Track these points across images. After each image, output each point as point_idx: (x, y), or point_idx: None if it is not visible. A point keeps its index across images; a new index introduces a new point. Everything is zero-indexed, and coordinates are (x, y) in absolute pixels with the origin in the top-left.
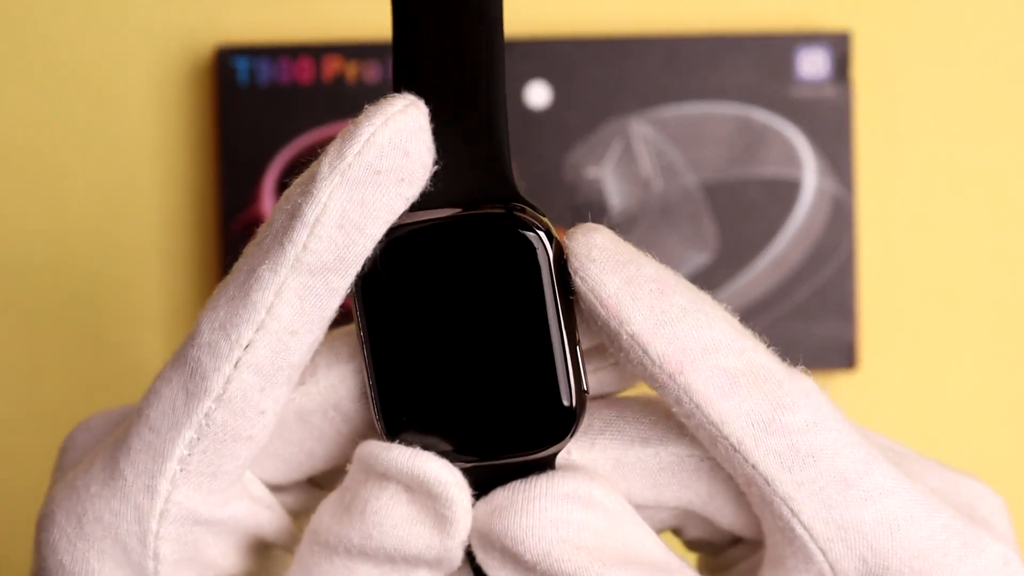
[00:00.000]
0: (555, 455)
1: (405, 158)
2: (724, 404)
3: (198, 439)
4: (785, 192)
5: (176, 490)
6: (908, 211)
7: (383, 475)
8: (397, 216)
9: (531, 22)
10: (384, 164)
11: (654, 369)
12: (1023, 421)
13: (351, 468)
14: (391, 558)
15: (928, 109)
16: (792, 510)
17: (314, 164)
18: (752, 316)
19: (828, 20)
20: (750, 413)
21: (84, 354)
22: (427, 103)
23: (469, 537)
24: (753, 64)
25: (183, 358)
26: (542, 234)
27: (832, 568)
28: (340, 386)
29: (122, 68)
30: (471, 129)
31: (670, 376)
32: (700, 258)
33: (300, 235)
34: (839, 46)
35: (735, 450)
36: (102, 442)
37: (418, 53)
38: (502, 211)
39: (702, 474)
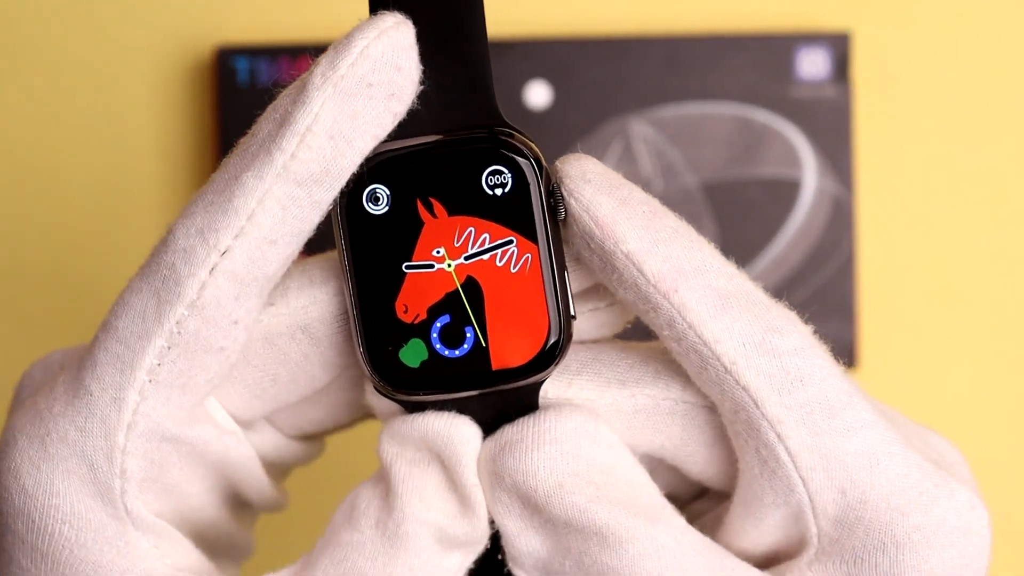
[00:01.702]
0: (541, 383)
1: (396, 73)
2: (717, 324)
3: (169, 348)
4: (785, 192)
5: (144, 402)
6: (908, 211)
7: (416, 448)
8: (385, 132)
9: (531, 22)
10: (376, 77)
11: (648, 289)
12: (1023, 421)
13: (380, 452)
14: (427, 534)
15: (928, 109)
16: (779, 434)
17: (304, 75)
18: None
19: (828, 20)
20: (742, 333)
21: None
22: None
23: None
24: (753, 64)
25: (155, 265)
26: (531, 159)
27: (811, 500)
28: (311, 308)
29: (122, 68)
30: (455, 54)
31: (664, 295)
32: None
33: (289, 143)
34: (839, 46)
35: (727, 371)
36: (63, 367)
37: None
38: (489, 135)
39: (676, 418)
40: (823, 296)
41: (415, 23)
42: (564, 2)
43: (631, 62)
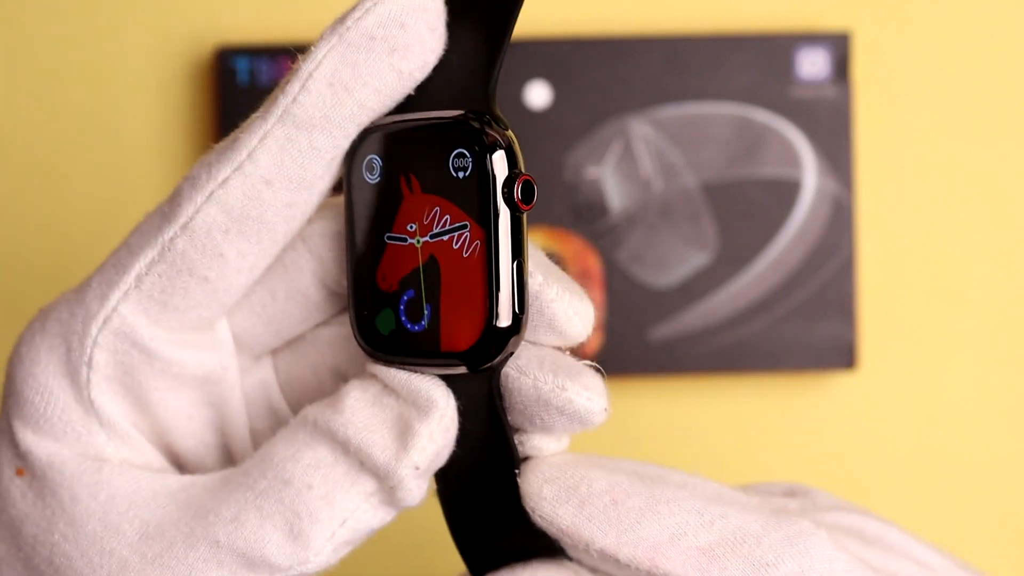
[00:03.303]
0: (490, 376)
1: (400, 30)
2: None
3: (157, 260)
4: (785, 192)
5: (124, 302)
6: (908, 211)
7: (383, 387)
8: (387, 87)
9: (531, 22)
10: (380, 32)
11: (632, 571)
12: (1023, 421)
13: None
14: (346, 448)
15: (928, 109)
16: None
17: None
18: (752, 316)
19: (828, 20)
20: None
21: None
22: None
23: None
24: (753, 64)
25: (171, 193)
26: (492, 146)
27: None
28: (315, 221)
29: (122, 68)
30: (478, 36)
31: (648, 572)
32: (700, 258)
33: (293, 87)
34: (839, 46)
35: None
36: None
37: None
38: (458, 119)
39: None
40: (823, 296)
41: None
42: (564, 2)
43: (631, 62)
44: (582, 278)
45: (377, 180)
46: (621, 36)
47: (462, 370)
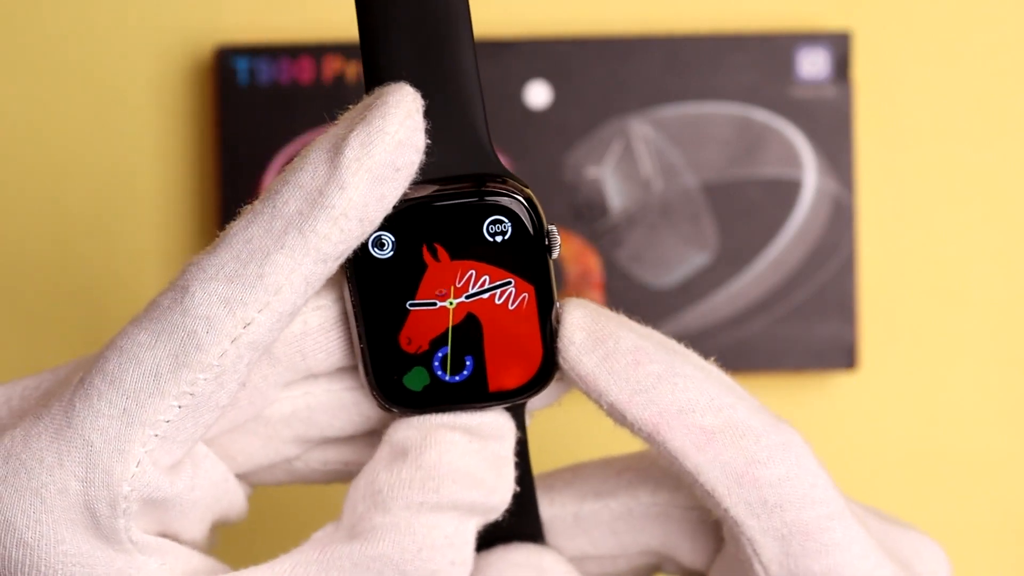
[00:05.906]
0: (528, 400)
1: (417, 154)
2: (700, 457)
3: (179, 407)
4: (785, 192)
5: (149, 454)
6: (908, 211)
7: (450, 430)
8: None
9: (531, 22)
10: (402, 161)
11: (635, 430)
12: (1023, 421)
13: (397, 438)
14: (471, 509)
15: (928, 109)
16: (755, 550)
17: (326, 143)
18: (752, 316)
19: (828, 20)
20: (724, 466)
21: (84, 354)
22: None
23: None
24: (753, 64)
25: (170, 325)
26: (527, 207)
27: None
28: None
29: (122, 68)
30: (449, 104)
31: (649, 436)
32: (700, 258)
33: (323, 226)
34: (839, 46)
35: (710, 495)
36: (33, 411)
37: (388, 38)
38: (490, 188)
39: (651, 519)
40: (823, 296)
41: (412, 80)
42: (564, 2)
43: (631, 62)
44: (582, 278)
45: (390, 255)
46: (621, 36)
47: (511, 403)
